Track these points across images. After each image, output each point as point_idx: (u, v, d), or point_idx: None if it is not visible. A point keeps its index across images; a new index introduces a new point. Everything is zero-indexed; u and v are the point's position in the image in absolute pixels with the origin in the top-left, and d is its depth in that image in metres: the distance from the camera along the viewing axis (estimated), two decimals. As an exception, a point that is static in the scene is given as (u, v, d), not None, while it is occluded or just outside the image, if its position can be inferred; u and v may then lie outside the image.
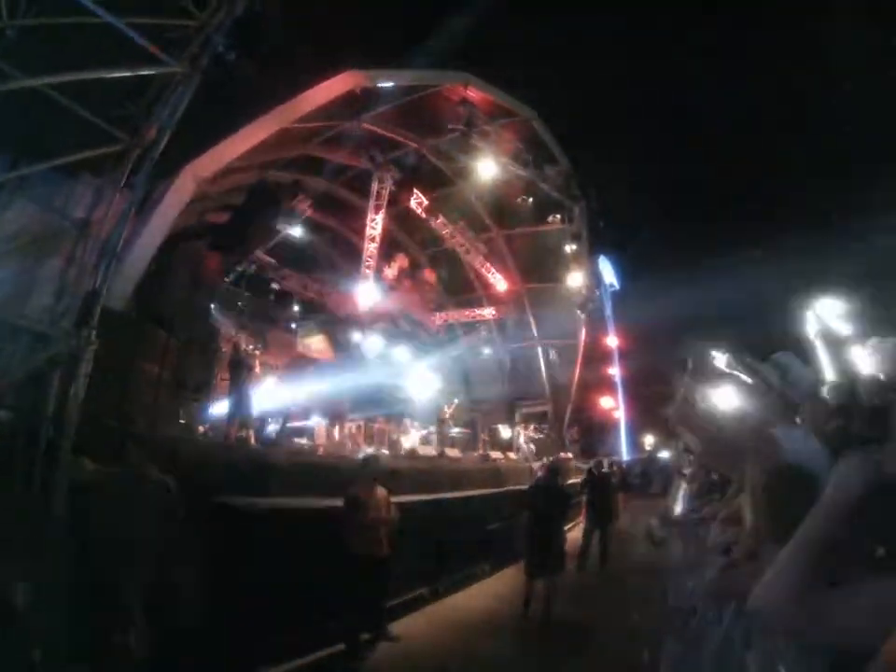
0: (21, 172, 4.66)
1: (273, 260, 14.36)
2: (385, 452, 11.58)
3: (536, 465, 13.67)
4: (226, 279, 12.56)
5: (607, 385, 30.46)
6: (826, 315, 2.61)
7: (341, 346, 16.26)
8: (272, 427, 10.54)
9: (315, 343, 16.92)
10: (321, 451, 9.96)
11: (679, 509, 5.48)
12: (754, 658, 1.82)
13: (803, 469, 1.69)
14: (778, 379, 2.30)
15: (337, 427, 11.93)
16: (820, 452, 1.86)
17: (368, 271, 16.09)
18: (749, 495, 2.11)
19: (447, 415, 16.13)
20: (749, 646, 1.91)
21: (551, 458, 13.10)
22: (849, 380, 2.18)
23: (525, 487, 8.29)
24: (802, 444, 1.99)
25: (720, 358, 2.48)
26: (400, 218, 18.42)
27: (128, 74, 4.82)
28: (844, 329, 2.53)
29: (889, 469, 1.16)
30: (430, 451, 12.54)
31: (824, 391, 2.21)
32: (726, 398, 2.40)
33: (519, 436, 17.87)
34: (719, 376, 2.50)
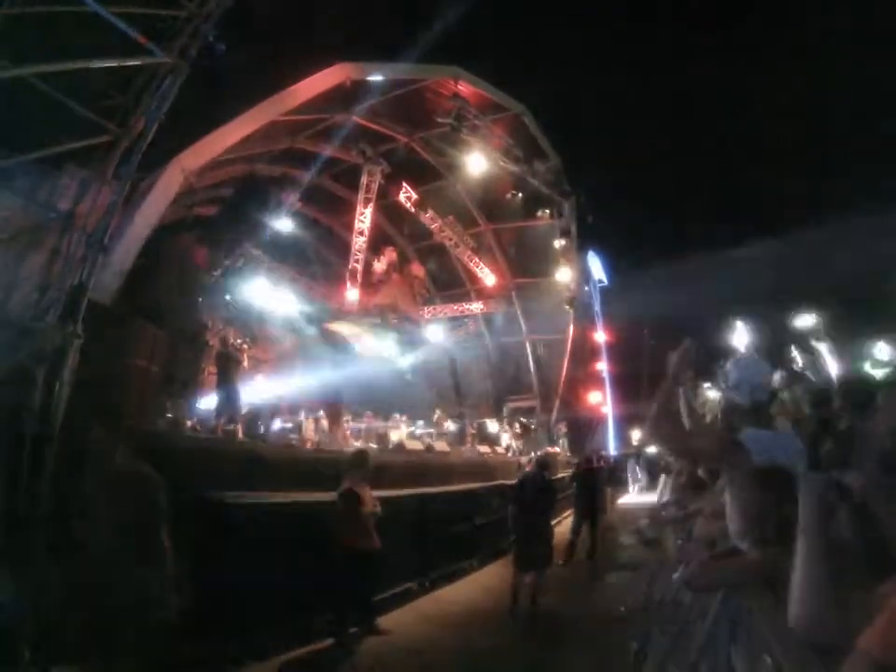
0: (3, 163, 4.58)
1: (261, 254, 14.25)
2: (374, 446, 11.57)
3: (524, 459, 13.75)
4: (214, 273, 12.44)
5: (595, 381, 30.57)
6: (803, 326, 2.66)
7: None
8: (260, 422, 10.49)
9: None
10: (309, 445, 9.94)
11: (666, 504, 5.55)
12: (740, 650, 1.86)
13: (772, 469, 1.73)
14: (723, 384, 2.34)
15: (334, 423, 11.89)
16: (791, 450, 1.91)
17: (356, 265, 16.02)
18: (729, 494, 2.15)
19: (437, 416, 16.26)
20: (735, 638, 1.95)
21: (538, 452, 13.17)
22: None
23: (513, 481, 8.33)
24: (771, 445, 2.03)
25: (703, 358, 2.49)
26: (389, 212, 18.36)
27: (116, 64, 4.75)
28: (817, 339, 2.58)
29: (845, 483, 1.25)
30: (418, 445, 12.56)
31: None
32: (704, 399, 2.44)
33: (504, 434, 17.92)
34: (697, 376, 2.53)
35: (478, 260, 19.05)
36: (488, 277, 19.18)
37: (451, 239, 18.48)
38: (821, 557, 1.14)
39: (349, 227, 16.43)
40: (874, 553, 1.22)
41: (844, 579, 1.12)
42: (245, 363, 10.28)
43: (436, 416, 16.30)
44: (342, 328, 15.89)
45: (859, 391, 2.03)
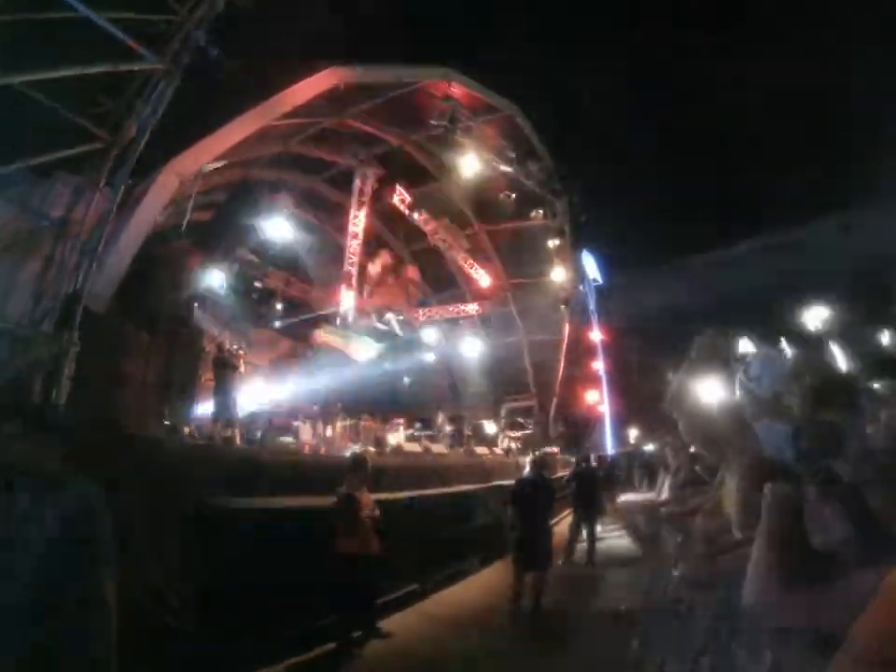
0: (-4, 172, 4.57)
1: (255, 259, 14.23)
2: (372, 449, 11.56)
3: (522, 459, 13.76)
4: (208, 278, 12.39)
5: (591, 380, 30.67)
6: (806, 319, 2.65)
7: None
8: (257, 427, 10.47)
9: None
10: (307, 449, 9.92)
11: (664, 501, 5.56)
12: (742, 646, 1.87)
13: (780, 465, 1.73)
14: (744, 375, 2.34)
15: (329, 426, 11.88)
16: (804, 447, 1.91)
17: (351, 268, 16.02)
18: (731, 486, 2.16)
19: (441, 418, 16.30)
20: (737, 634, 1.96)
21: (537, 453, 13.19)
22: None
23: (511, 482, 8.34)
24: (782, 440, 2.04)
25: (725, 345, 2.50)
26: (383, 215, 18.36)
27: (108, 70, 4.74)
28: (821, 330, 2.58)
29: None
30: (416, 448, 12.55)
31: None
32: (717, 387, 2.44)
33: (502, 435, 17.95)
34: (720, 362, 2.52)
35: (472, 262, 19.05)
36: (483, 278, 19.18)
37: (445, 241, 18.47)
38: (773, 552, 1.20)
39: (343, 230, 16.42)
40: (865, 542, 1.24)
41: (808, 567, 1.16)
42: (242, 368, 10.26)
43: (440, 419, 16.35)
44: (331, 337, 15.78)
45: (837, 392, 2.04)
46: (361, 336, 16.18)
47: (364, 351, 16.37)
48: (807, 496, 1.44)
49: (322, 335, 15.57)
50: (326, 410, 12.73)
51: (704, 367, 2.32)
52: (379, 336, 17.05)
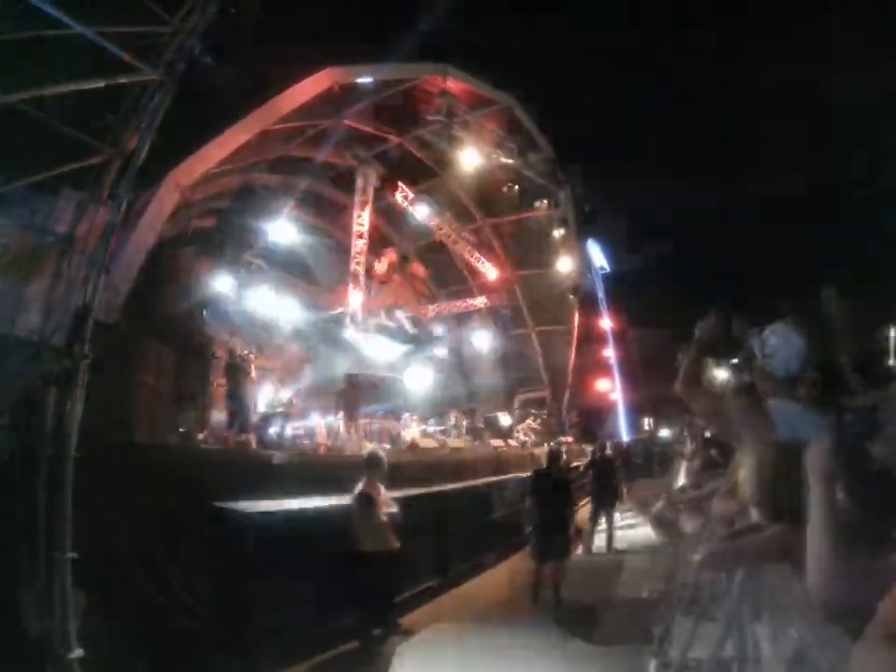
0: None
1: (261, 263, 14.28)
2: (387, 447, 11.58)
3: (537, 451, 13.76)
4: (216, 285, 12.46)
5: (603, 368, 30.54)
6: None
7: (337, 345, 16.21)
8: (272, 430, 10.53)
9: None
10: (322, 450, 9.97)
11: (681, 486, 5.53)
12: (763, 627, 1.85)
13: (795, 443, 1.71)
14: (759, 351, 2.31)
15: (352, 427, 11.91)
16: (814, 424, 1.89)
17: (357, 267, 16.04)
18: (747, 467, 2.14)
19: (454, 414, 16.35)
20: (758, 615, 1.95)
21: (552, 443, 13.17)
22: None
23: (526, 474, 8.33)
24: (796, 418, 2.01)
25: (734, 326, 2.49)
26: (387, 213, 18.34)
27: (103, 84, 4.75)
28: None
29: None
30: (431, 443, 12.58)
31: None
32: (728, 368, 2.43)
33: (519, 432, 17.94)
34: (728, 345, 2.51)
35: (479, 255, 19.00)
36: (490, 272, 19.13)
37: (450, 236, 18.45)
38: (833, 525, 1.13)
39: (348, 230, 16.44)
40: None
41: (854, 547, 1.11)
42: (253, 373, 10.32)
43: (453, 413, 16.38)
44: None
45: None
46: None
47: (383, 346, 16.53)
48: None
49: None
50: (342, 408, 12.77)
51: (709, 348, 2.30)
52: (389, 334, 17.10)
